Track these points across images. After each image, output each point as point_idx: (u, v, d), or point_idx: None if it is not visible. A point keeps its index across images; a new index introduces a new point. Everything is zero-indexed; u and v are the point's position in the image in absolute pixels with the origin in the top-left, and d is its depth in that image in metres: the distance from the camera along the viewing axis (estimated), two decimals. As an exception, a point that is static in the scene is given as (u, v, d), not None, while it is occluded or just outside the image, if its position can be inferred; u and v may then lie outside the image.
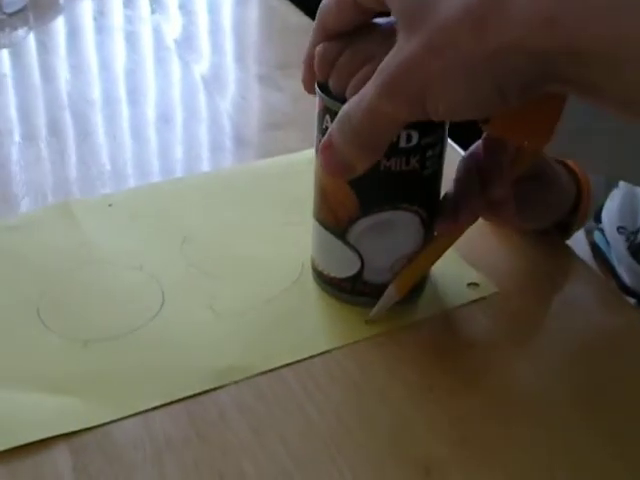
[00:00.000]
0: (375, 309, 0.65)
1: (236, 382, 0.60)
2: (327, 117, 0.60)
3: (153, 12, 1.25)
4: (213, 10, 1.29)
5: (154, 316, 0.66)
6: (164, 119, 0.98)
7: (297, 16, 1.22)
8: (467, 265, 0.72)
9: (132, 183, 0.85)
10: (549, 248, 0.75)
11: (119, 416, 0.58)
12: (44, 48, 1.13)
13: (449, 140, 0.85)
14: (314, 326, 0.66)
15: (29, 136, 0.92)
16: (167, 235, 0.76)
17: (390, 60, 0.48)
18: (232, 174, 0.86)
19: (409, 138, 0.59)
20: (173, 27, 1.21)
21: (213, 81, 1.06)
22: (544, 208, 0.72)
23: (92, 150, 0.90)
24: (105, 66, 1.10)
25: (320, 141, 0.59)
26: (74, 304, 0.68)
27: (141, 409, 0.58)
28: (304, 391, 0.60)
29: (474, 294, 0.69)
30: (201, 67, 1.10)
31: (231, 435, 0.56)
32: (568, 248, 0.77)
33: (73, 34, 1.19)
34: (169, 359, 0.63)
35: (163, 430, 0.57)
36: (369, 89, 0.49)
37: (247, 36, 1.25)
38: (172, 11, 1.26)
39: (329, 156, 0.53)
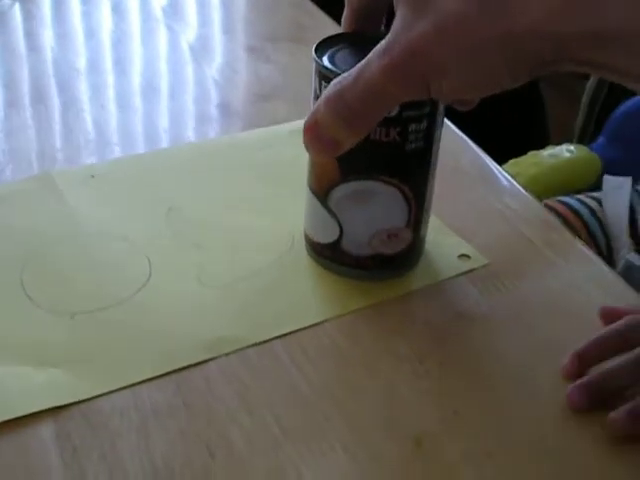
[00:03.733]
0: None
1: (225, 354, 0.59)
2: (323, 83, 0.59)
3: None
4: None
5: (142, 287, 0.65)
6: (151, 88, 0.96)
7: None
8: (458, 237, 0.71)
9: (118, 152, 0.83)
10: (541, 223, 0.75)
11: (106, 390, 0.56)
12: (30, 15, 1.11)
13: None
14: (304, 298, 0.65)
15: (14, 104, 0.91)
16: (152, 206, 0.74)
17: (395, 40, 0.47)
18: (217, 145, 0.85)
19: None
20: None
21: (201, 51, 1.04)
22: None
23: (77, 119, 0.89)
24: (91, 34, 1.08)
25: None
26: (59, 276, 0.66)
27: (128, 383, 0.57)
28: (293, 363, 0.59)
29: (465, 266, 0.68)
30: (189, 36, 1.08)
31: (219, 405, 0.56)
32: (559, 223, 0.76)
33: (59, 2, 1.17)
34: (157, 331, 0.61)
35: (150, 399, 0.56)
36: (371, 67, 0.48)
37: (236, 7, 1.23)
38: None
39: (315, 134, 0.52)
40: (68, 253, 0.68)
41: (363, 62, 0.49)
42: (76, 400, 0.55)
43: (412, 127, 0.60)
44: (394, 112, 0.59)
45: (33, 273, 0.66)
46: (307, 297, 0.65)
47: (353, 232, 0.65)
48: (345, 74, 0.50)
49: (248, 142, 0.85)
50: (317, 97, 0.61)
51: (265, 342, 0.60)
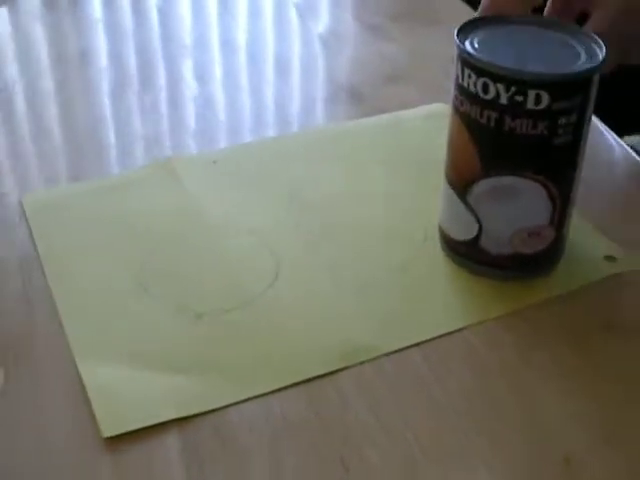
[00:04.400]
0: None
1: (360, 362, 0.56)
2: (466, 70, 0.57)
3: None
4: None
5: (269, 286, 0.62)
6: (278, 71, 0.94)
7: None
8: (601, 235, 0.67)
9: (247, 137, 0.81)
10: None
11: (235, 400, 0.53)
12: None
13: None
14: (442, 301, 0.61)
15: (146, 87, 0.89)
16: (276, 195, 0.71)
17: None
18: (344, 130, 0.81)
19: (538, 99, 0.55)
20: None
21: (328, 32, 1.01)
22: None
23: (207, 103, 0.87)
24: (222, 15, 1.07)
25: (456, 97, 0.57)
26: (183, 272, 0.63)
27: (258, 393, 0.54)
28: (430, 371, 0.56)
29: (612, 268, 0.64)
30: (316, 18, 1.05)
31: (352, 418, 0.52)
32: None
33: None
34: (288, 336, 0.58)
35: (281, 411, 0.53)
36: None
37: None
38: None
39: None
40: (192, 246, 0.66)
41: None
42: (202, 411, 0.53)
43: (562, 120, 0.56)
44: (543, 104, 0.55)
45: (155, 267, 0.63)
46: (445, 300, 0.61)
47: (493, 230, 0.61)
48: None
49: (377, 127, 0.82)
50: (459, 85, 0.58)
51: (401, 350, 0.57)
